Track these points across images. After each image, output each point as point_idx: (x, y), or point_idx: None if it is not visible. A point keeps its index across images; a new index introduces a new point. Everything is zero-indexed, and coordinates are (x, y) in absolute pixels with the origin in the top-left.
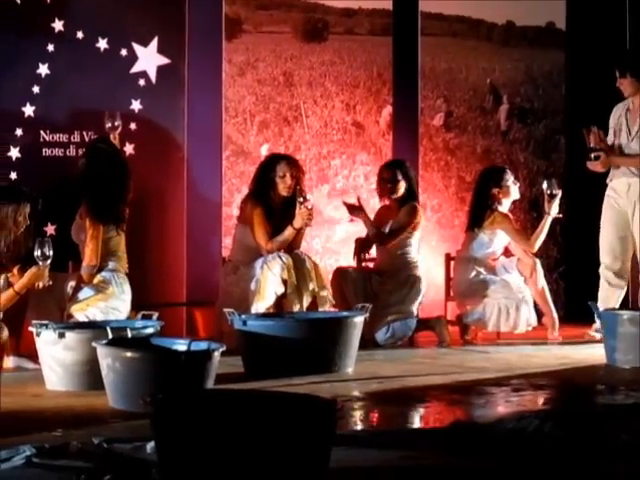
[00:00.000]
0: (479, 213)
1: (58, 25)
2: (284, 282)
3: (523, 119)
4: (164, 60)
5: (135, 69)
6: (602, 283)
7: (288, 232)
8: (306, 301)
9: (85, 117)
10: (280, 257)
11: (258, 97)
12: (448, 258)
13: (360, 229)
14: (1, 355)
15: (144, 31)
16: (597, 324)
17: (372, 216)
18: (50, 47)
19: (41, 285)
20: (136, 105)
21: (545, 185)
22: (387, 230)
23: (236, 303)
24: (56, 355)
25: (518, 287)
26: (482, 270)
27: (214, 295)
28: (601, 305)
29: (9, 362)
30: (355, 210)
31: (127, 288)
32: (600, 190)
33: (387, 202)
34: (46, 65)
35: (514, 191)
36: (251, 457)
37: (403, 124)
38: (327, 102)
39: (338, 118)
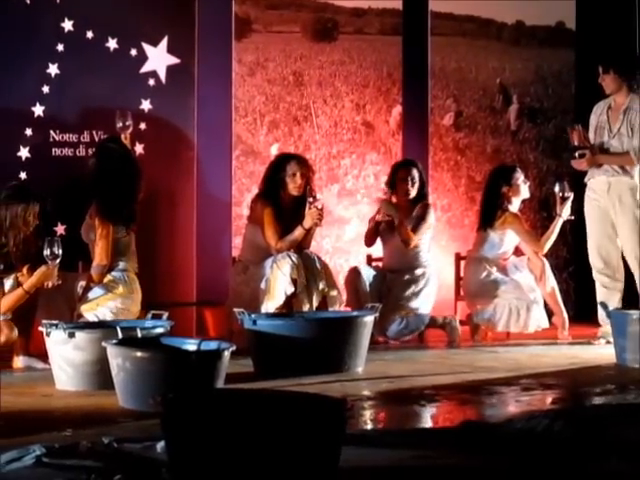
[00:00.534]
0: (490, 212)
1: (68, 25)
2: (294, 282)
3: (533, 119)
4: (174, 60)
5: (145, 69)
6: (598, 287)
7: (298, 232)
8: (316, 301)
9: (95, 117)
10: (290, 257)
11: (268, 97)
12: (458, 258)
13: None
14: (11, 354)
15: (154, 31)
16: (602, 329)
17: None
18: (60, 47)
19: (50, 284)
20: (146, 105)
21: (557, 187)
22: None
23: (246, 303)
24: (66, 355)
25: (529, 287)
26: (493, 270)
27: (224, 295)
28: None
29: (19, 362)
30: (389, 207)
31: (137, 288)
32: None
33: (394, 201)
34: (56, 65)
35: (524, 190)
36: (261, 457)
37: (413, 124)
38: (337, 102)
39: (348, 118)
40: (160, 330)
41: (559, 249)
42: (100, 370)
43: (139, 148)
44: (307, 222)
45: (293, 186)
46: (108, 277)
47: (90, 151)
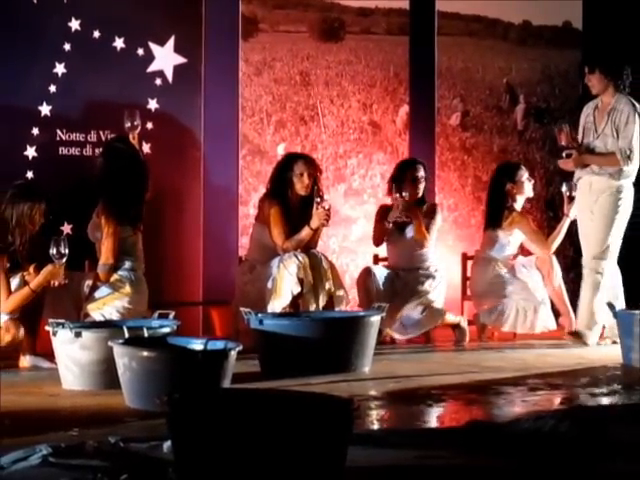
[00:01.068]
0: (495, 211)
1: (75, 24)
2: (300, 281)
3: (540, 118)
4: (181, 59)
5: (152, 68)
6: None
7: (305, 232)
8: (322, 300)
9: (102, 116)
10: (296, 256)
11: (275, 96)
12: (465, 257)
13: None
14: (17, 354)
15: (161, 30)
16: (607, 329)
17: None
18: (67, 46)
19: (57, 283)
20: (153, 104)
21: (564, 187)
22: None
23: (252, 302)
24: (72, 354)
25: (537, 289)
26: (502, 270)
27: (230, 294)
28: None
29: (25, 361)
30: (409, 207)
31: (144, 287)
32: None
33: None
34: (62, 64)
35: (528, 188)
36: (268, 456)
37: (420, 123)
38: (344, 101)
39: (355, 117)
40: (166, 330)
41: (566, 249)
42: (106, 370)
43: (146, 147)
44: (314, 222)
45: (300, 186)
46: (115, 276)
47: (97, 150)
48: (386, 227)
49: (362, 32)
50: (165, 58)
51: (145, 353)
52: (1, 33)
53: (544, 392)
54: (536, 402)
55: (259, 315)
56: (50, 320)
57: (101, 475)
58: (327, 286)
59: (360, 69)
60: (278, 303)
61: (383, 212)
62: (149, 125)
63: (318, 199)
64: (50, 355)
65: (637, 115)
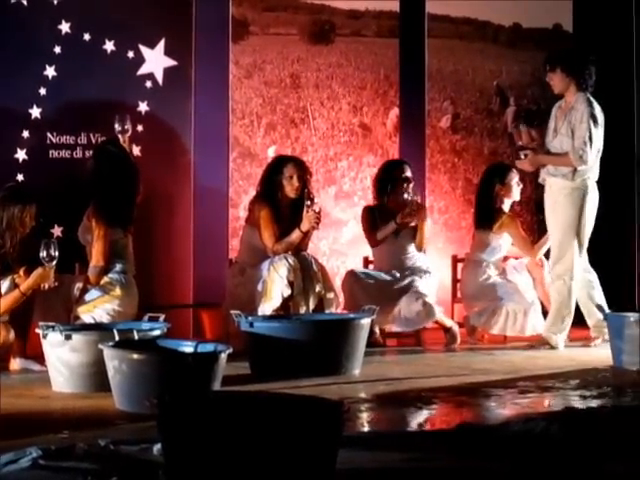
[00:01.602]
0: (484, 211)
1: (65, 27)
2: (290, 284)
3: (530, 121)
4: (171, 62)
5: (142, 71)
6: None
7: (295, 235)
8: (312, 303)
9: (92, 119)
10: (287, 259)
11: (265, 99)
12: (455, 260)
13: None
14: (7, 356)
15: (151, 33)
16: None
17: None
18: (57, 49)
19: (47, 286)
20: (143, 107)
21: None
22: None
23: (243, 305)
24: (62, 357)
25: (527, 291)
26: (492, 273)
27: (221, 297)
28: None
29: (15, 364)
30: (420, 211)
31: (134, 290)
32: (604, 195)
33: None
34: (53, 67)
35: (516, 192)
36: (258, 459)
37: (410, 126)
38: (334, 104)
39: (345, 120)
40: (157, 332)
41: None
42: (97, 372)
43: (136, 150)
44: (305, 225)
45: (290, 188)
46: (105, 279)
47: (87, 153)
48: (392, 228)
49: (352, 34)
50: (155, 61)
51: (135, 356)
52: None
53: (534, 394)
54: (526, 404)
55: (249, 318)
56: (40, 323)
57: (91, 477)
58: (317, 289)
59: (350, 71)
60: (268, 306)
61: (371, 214)
62: (139, 128)
63: (308, 202)
64: (40, 358)
65: (592, 115)
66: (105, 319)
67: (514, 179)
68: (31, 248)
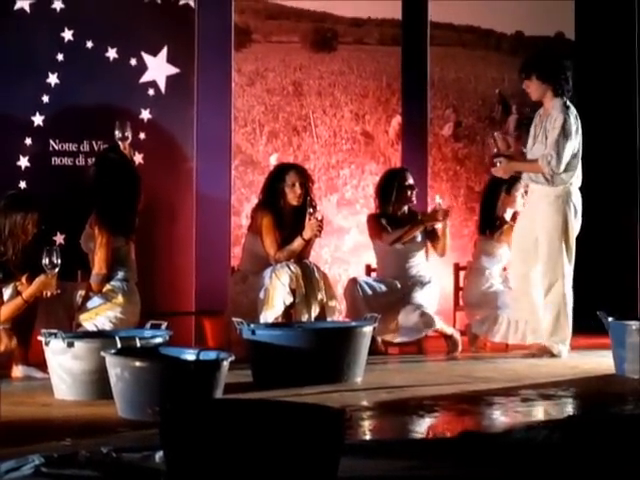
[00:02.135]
0: (487, 220)
1: (68, 34)
2: (293, 292)
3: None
4: (173, 70)
5: (144, 79)
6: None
7: (297, 243)
8: (315, 311)
9: (94, 126)
10: (289, 266)
11: (267, 107)
12: (457, 268)
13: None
14: (9, 363)
15: (153, 41)
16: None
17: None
18: (60, 56)
19: (49, 294)
20: (145, 114)
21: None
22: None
23: (245, 312)
24: (65, 364)
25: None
26: (495, 281)
27: (223, 304)
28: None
29: (18, 371)
30: (446, 217)
31: (136, 297)
32: (606, 201)
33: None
34: (56, 74)
35: (519, 203)
36: (260, 467)
37: (412, 134)
38: (336, 112)
39: (347, 128)
40: (159, 340)
41: None
42: (99, 380)
43: (138, 158)
44: (307, 233)
45: (292, 196)
46: (107, 286)
47: (90, 161)
48: (418, 228)
49: (355, 42)
50: (158, 68)
51: (137, 363)
52: None
53: (536, 402)
54: (528, 412)
55: (251, 325)
56: (43, 330)
57: None
58: (319, 296)
59: (353, 79)
60: (270, 313)
61: (378, 219)
62: (142, 135)
63: (310, 209)
64: (42, 365)
65: (564, 121)
66: (107, 326)
67: (520, 190)
68: (33, 255)
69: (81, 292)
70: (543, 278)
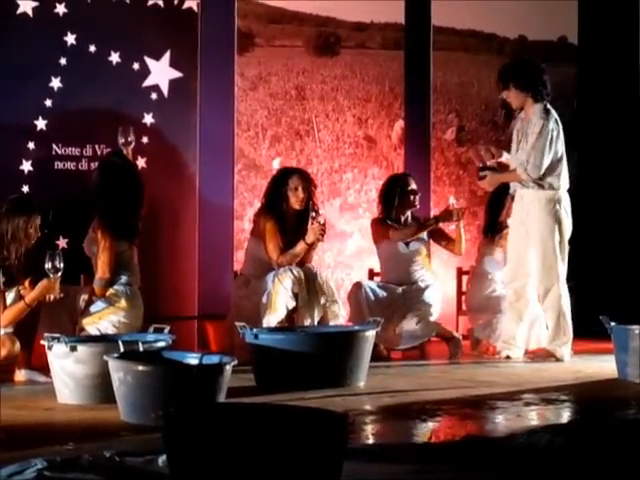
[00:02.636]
0: (491, 224)
1: (70, 39)
2: (295, 296)
3: None
4: (176, 74)
5: (147, 83)
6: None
7: (300, 247)
8: (317, 315)
9: (97, 131)
10: (291, 270)
11: (270, 111)
12: (460, 272)
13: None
14: (12, 368)
15: (156, 45)
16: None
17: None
18: (62, 60)
19: (52, 298)
20: (148, 119)
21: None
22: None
23: (248, 316)
24: (68, 368)
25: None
26: (497, 286)
27: (226, 308)
28: (504, 329)
29: (21, 375)
30: (461, 218)
31: (139, 301)
32: (611, 205)
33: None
34: (58, 78)
35: None
36: (263, 471)
37: (415, 138)
38: (339, 116)
39: (350, 132)
40: (162, 344)
41: None
42: (102, 384)
43: (141, 162)
44: (309, 237)
45: (295, 200)
46: (110, 291)
47: (93, 165)
48: (431, 225)
49: (357, 47)
50: (161, 72)
51: (140, 367)
52: None
53: (539, 407)
54: (531, 417)
55: (254, 329)
56: (45, 334)
57: None
58: (322, 300)
59: (355, 84)
60: (273, 317)
61: (383, 221)
62: (144, 139)
63: (313, 214)
64: (45, 369)
65: (542, 127)
66: (110, 331)
67: None
68: (36, 260)
69: (84, 296)
70: (539, 284)
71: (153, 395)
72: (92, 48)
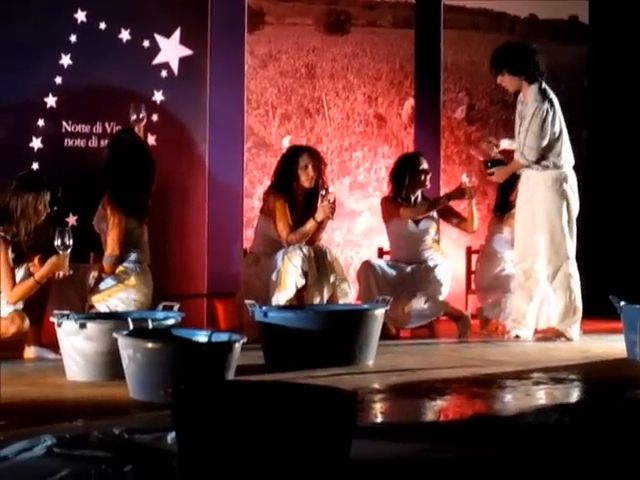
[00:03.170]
0: (501, 202)
1: (81, 16)
2: (305, 274)
3: None
4: (186, 51)
5: (157, 60)
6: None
7: (310, 225)
8: (327, 293)
9: (107, 108)
10: (301, 249)
11: (280, 89)
12: (469, 251)
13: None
14: (22, 344)
15: (167, 22)
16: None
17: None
18: (73, 38)
19: (61, 274)
20: (158, 96)
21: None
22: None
23: (257, 294)
24: (77, 345)
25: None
26: (507, 265)
27: (235, 286)
28: (514, 308)
29: (30, 352)
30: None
31: (149, 279)
32: (621, 184)
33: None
34: (68, 56)
35: None
36: (271, 448)
37: (425, 117)
38: (349, 94)
39: (360, 110)
40: (171, 321)
41: None
42: (111, 361)
43: (151, 140)
44: (319, 215)
45: (305, 178)
46: (120, 268)
47: (102, 142)
48: (443, 202)
49: (368, 25)
50: (171, 50)
51: (150, 345)
52: (7, 24)
53: (548, 386)
54: (540, 396)
55: (263, 307)
56: (55, 311)
57: (105, 466)
58: (331, 279)
59: (366, 62)
60: (282, 296)
61: (394, 199)
62: (154, 117)
63: (323, 192)
64: (55, 346)
65: (537, 108)
66: (120, 308)
67: None
68: (45, 236)
69: (94, 273)
70: (548, 263)
71: (162, 372)
72: (102, 25)
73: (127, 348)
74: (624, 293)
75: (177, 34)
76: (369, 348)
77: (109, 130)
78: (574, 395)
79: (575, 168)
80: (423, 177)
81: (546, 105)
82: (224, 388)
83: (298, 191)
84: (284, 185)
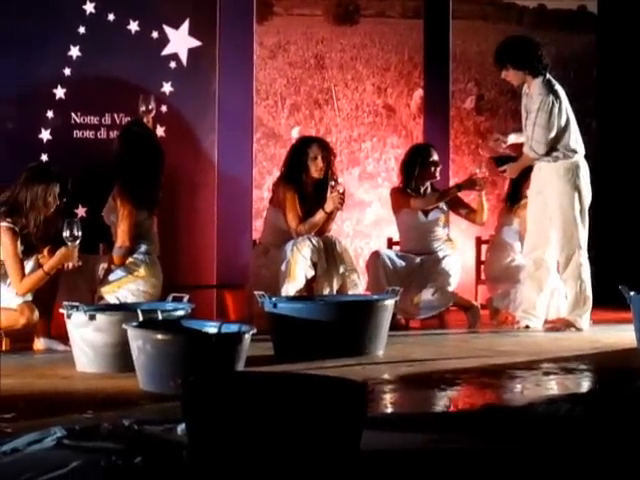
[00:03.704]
0: (512, 193)
1: (89, 7)
2: (314, 265)
3: None
4: (195, 42)
5: (166, 51)
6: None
7: (319, 216)
8: (336, 284)
9: (116, 99)
10: (310, 239)
11: (289, 80)
12: (479, 242)
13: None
14: (31, 336)
15: (175, 13)
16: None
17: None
18: (81, 29)
19: (70, 266)
20: (167, 87)
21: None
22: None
23: (266, 285)
24: (86, 337)
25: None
26: (516, 255)
27: (244, 277)
28: (524, 299)
29: (39, 344)
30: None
31: (158, 270)
32: (631, 174)
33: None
34: (77, 47)
35: None
36: (281, 439)
37: (434, 107)
38: (358, 85)
39: (369, 101)
40: (181, 313)
41: None
42: (120, 352)
43: (160, 131)
44: (329, 206)
45: (315, 169)
46: (129, 259)
47: (111, 134)
48: (453, 192)
49: (377, 15)
50: (180, 41)
51: (159, 336)
52: (16, 16)
53: (558, 376)
54: (550, 386)
55: (273, 298)
56: (64, 303)
57: (115, 457)
58: (341, 270)
59: (375, 52)
60: (292, 286)
61: (404, 189)
62: (163, 108)
63: (332, 183)
64: (64, 338)
65: (542, 101)
66: (129, 299)
67: None
68: (55, 228)
69: (103, 265)
70: (560, 253)
71: (172, 364)
72: (111, 17)
73: (137, 339)
74: (634, 283)
75: (186, 25)
76: (379, 339)
77: (118, 121)
78: (584, 385)
79: (585, 157)
80: (433, 169)
81: (551, 98)
82: (234, 379)
83: (307, 182)
84: (293, 176)
